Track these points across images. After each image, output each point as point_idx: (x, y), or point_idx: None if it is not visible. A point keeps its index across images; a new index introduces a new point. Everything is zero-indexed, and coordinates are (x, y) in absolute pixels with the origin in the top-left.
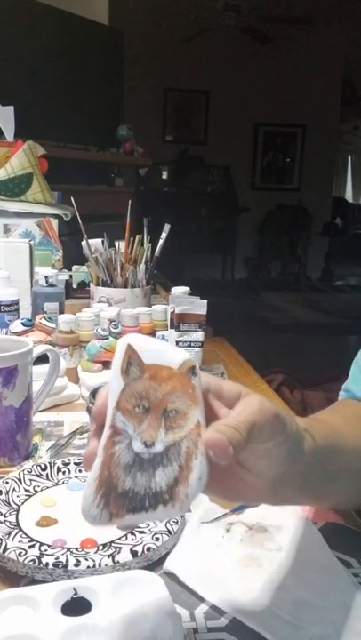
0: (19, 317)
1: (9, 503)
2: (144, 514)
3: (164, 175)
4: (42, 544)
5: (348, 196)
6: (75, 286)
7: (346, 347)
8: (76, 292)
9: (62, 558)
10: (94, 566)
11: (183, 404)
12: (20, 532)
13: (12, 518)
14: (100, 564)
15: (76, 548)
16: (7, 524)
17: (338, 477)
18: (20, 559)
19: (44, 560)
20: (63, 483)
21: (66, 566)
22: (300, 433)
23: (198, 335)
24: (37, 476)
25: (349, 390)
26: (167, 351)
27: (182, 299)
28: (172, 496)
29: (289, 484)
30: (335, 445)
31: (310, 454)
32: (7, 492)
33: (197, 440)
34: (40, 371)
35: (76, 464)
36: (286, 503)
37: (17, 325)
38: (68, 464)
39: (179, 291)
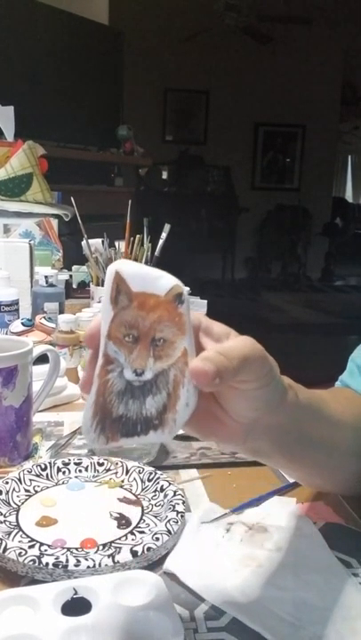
0: (19, 317)
1: (9, 503)
2: (136, 438)
3: (164, 175)
4: (42, 544)
5: (349, 196)
6: (75, 286)
7: (346, 347)
8: (76, 292)
9: (62, 558)
10: (94, 566)
11: (170, 332)
12: (20, 532)
13: (12, 518)
14: (100, 564)
15: (76, 548)
16: (7, 523)
17: (316, 446)
18: (20, 559)
19: (43, 560)
20: (63, 483)
21: (66, 566)
22: (283, 383)
23: None
24: (37, 475)
25: (344, 381)
26: (155, 277)
27: None
28: (162, 422)
29: (263, 434)
30: (319, 412)
31: (291, 408)
32: (7, 491)
33: (184, 368)
34: (40, 371)
35: (76, 464)
36: (256, 455)
37: (17, 325)
38: (68, 464)
39: None
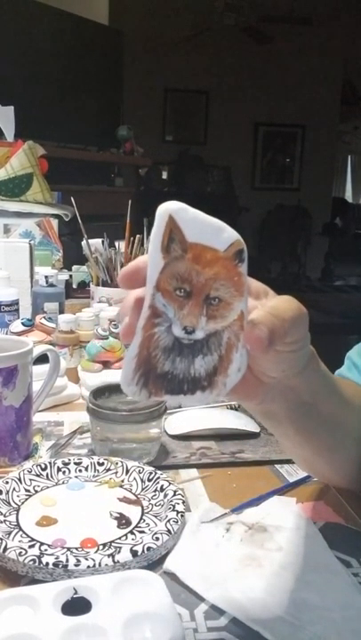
0: (19, 317)
1: (9, 503)
2: (182, 396)
3: (164, 175)
4: (42, 544)
5: (348, 196)
6: (75, 286)
7: (346, 346)
8: (76, 292)
9: (62, 558)
10: (94, 566)
11: (227, 292)
12: (20, 532)
13: (12, 518)
14: (100, 564)
15: (76, 548)
16: (7, 523)
17: (323, 422)
18: (20, 559)
19: (44, 560)
20: (63, 482)
21: (66, 566)
22: (311, 349)
23: None
24: (37, 475)
25: (343, 375)
26: (215, 229)
27: None
28: (211, 384)
29: (281, 398)
30: (333, 387)
31: (312, 375)
32: (7, 491)
33: (239, 333)
34: (40, 371)
35: (76, 464)
36: (267, 419)
37: (17, 325)
38: (68, 464)
39: None
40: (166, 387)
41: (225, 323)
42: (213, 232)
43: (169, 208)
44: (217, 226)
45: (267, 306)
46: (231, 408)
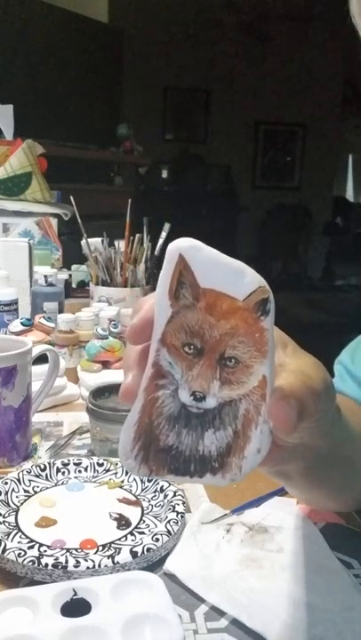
0: (18, 317)
1: (8, 504)
2: (188, 478)
3: (164, 174)
4: (41, 545)
5: (350, 195)
6: (74, 286)
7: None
8: (76, 292)
9: (62, 559)
10: (94, 567)
11: (246, 352)
12: (20, 533)
13: (12, 519)
14: (99, 565)
15: (76, 549)
16: (6, 524)
17: (335, 465)
18: (20, 560)
19: (43, 561)
20: (62, 483)
21: (65, 567)
22: (336, 408)
23: None
24: (37, 476)
25: (335, 388)
26: (234, 272)
27: None
28: (223, 466)
29: (298, 458)
30: (347, 429)
31: (336, 431)
32: (6, 492)
33: (260, 404)
34: (39, 370)
35: (75, 464)
36: (278, 476)
37: (16, 325)
38: (68, 464)
39: None
40: (170, 464)
41: (242, 390)
42: (232, 276)
43: (179, 246)
44: (236, 268)
45: (295, 369)
46: None
